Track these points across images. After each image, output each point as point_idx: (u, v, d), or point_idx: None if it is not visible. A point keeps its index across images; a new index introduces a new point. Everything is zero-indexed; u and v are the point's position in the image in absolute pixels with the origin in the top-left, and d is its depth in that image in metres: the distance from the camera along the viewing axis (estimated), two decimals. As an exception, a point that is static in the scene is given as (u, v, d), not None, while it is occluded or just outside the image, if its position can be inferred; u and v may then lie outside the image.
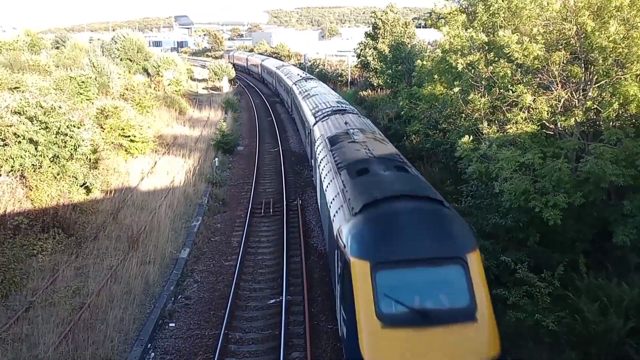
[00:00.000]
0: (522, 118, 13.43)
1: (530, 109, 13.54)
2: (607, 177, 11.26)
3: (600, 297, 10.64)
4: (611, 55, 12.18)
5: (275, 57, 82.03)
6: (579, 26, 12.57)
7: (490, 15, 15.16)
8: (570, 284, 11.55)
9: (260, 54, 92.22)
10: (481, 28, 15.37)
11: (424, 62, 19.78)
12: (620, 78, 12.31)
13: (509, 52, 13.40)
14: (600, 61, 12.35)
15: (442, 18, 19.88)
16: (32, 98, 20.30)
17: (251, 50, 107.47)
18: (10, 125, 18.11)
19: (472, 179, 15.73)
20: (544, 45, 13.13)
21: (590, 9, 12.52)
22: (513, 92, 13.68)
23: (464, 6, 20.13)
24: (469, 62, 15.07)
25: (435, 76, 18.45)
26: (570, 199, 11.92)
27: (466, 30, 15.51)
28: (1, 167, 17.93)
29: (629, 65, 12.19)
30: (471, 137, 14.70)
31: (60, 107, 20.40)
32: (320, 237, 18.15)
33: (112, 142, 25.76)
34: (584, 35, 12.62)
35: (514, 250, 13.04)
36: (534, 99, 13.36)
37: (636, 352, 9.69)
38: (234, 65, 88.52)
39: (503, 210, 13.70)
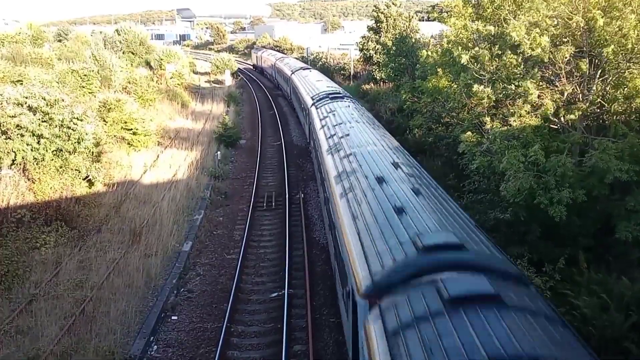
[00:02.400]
0: (526, 111, 13.39)
1: (535, 105, 13.50)
2: (611, 172, 11.23)
3: (600, 292, 10.62)
4: (620, 49, 12.10)
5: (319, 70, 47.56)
6: (587, 20, 12.48)
7: (496, 8, 15.09)
8: (569, 279, 11.54)
9: (297, 59, 61.71)
10: (488, 21, 15.31)
11: (429, 53, 19.68)
12: (626, 72, 12.25)
13: (516, 42, 13.32)
14: (610, 55, 12.25)
15: (447, 12, 19.80)
16: (36, 90, 20.28)
17: (281, 51, 78.59)
18: (14, 116, 18.09)
19: (475, 174, 15.70)
20: (550, 38, 13.07)
21: (599, 4, 12.42)
22: (517, 86, 13.62)
23: None
24: (473, 55, 15.01)
25: (440, 69, 18.37)
26: (574, 194, 11.90)
27: (473, 22, 15.45)
28: (3, 159, 17.92)
29: (636, 60, 12.12)
30: (474, 133, 14.66)
31: (63, 100, 20.40)
32: (322, 231, 18.17)
33: (115, 135, 25.78)
34: (593, 29, 12.53)
35: (515, 245, 13.02)
36: (539, 94, 13.31)
37: (637, 348, 9.66)
38: (261, 70, 71.05)
39: (504, 204, 13.68)
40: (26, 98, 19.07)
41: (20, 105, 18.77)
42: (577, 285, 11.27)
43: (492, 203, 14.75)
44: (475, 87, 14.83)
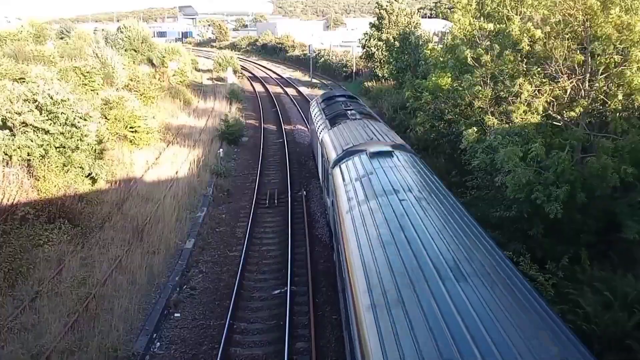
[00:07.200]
0: (524, 110, 13.39)
1: (530, 104, 13.47)
2: (609, 180, 11.24)
3: (603, 290, 10.58)
4: (615, 43, 12.07)
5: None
6: (584, 9, 12.40)
7: (497, 4, 15.08)
8: (573, 276, 11.51)
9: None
10: (490, 18, 15.31)
11: (436, 48, 19.70)
12: (625, 67, 12.20)
13: (514, 38, 13.31)
14: (604, 50, 12.23)
15: (452, 8, 19.78)
16: (44, 87, 20.24)
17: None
18: (20, 114, 18.09)
19: (477, 170, 15.68)
20: (547, 32, 13.04)
21: None
22: (513, 84, 13.62)
23: None
24: (475, 53, 15.01)
25: (444, 64, 18.36)
26: (574, 193, 11.88)
27: (476, 19, 15.44)
28: (11, 157, 17.92)
29: (631, 52, 12.07)
30: (476, 129, 14.65)
31: (68, 99, 20.38)
32: (325, 228, 18.17)
33: (117, 133, 25.78)
34: (589, 21, 12.49)
35: (519, 242, 12.99)
36: (536, 91, 13.27)
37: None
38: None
39: (507, 202, 13.65)
40: (34, 94, 19.02)
41: (27, 102, 18.73)
42: (580, 283, 11.23)
43: (494, 199, 14.73)
44: (477, 87, 14.81)
